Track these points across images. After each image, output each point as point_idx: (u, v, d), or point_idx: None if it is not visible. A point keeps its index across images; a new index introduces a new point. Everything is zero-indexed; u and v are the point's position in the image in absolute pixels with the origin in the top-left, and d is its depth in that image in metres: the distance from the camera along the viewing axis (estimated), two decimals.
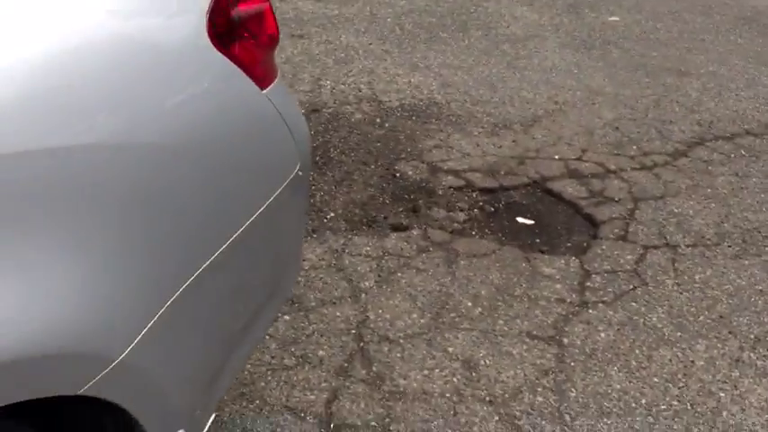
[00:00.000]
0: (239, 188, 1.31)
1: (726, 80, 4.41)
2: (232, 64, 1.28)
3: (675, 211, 3.11)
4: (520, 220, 3.05)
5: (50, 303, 0.92)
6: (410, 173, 3.29)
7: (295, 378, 2.17)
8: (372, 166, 3.32)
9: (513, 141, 3.60)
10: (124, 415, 1.13)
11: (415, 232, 2.89)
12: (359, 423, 2.04)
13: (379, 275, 2.64)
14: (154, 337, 1.09)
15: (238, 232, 1.28)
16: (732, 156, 3.58)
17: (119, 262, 1.03)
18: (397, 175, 3.27)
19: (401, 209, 3.04)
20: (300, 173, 1.53)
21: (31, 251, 0.92)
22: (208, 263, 1.22)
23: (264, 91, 1.38)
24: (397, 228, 2.91)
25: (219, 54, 1.25)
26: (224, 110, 1.26)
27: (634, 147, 3.61)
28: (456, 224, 2.97)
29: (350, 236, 2.84)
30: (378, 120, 3.73)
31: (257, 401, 2.08)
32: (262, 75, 1.38)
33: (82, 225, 0.99)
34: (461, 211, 3.06)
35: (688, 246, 2.90)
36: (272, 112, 1.40)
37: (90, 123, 1.02)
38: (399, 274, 2.65)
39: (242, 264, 1.35)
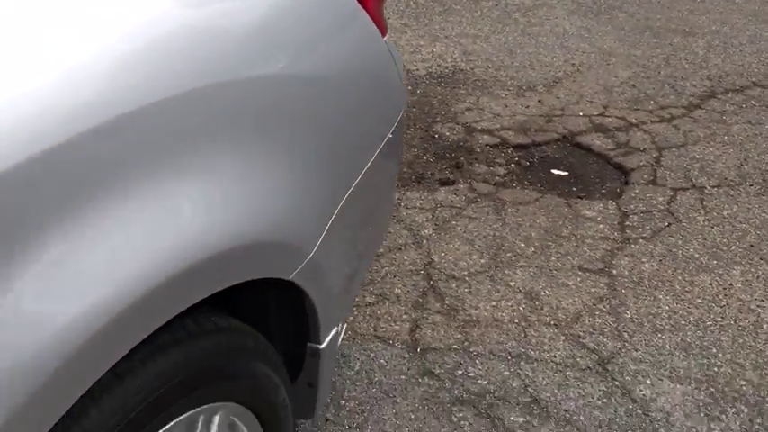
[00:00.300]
0: (374, 119, 1.53)
1: (729, 38, 4.65)
2: (366, 14, 1.49)
3: (697, 157, 3.35)
4: (555, 171, 3.28)
5: (278, 204, 1.14)
6: (447, 134, 3.51)
7: (378, 312, 2.39)
8: (412, 130, 3.53)
9: (539, 101, 3.82)
10: (291, 307, 1.35)
11: (461, 186, 3.12)
12: (442, 347, 2.27)
13: (436, 224, 2.86)
14: (329, 240, 1.31)
15: (375, 154, 1.50)
16: (744, 106, 3.82)
17: (309, 176, 1.25)
18: (436, 136, 3.49)
19: (445, 166, 3.26)
20: (392, 135, 1.72)
21: (254, 163, 1.14)
22: (357, 180, 1.43)
23: (384, 39, 1.59)
24: (444, 182, 3.14)
25: (357, 3, 1.46)
26: (365, 52, 1.47)
27: (651, 102, 3.84)
28: (497, 177, 3.19)
29: (403, 191, 3.06)
30: (409, 87, 3.94)
31: (349, 332, 2.30)
32: (380, 25, 1.59)
33: (285, 140, 1.20)
34: (500, 165, 3.28)
35: (713, 186, 3.14)
36: (389, 58, 1.61)
37: (281, 57, 1.23)
38: (454, 223, 2.87)
39: (373, 190, 1.57)
